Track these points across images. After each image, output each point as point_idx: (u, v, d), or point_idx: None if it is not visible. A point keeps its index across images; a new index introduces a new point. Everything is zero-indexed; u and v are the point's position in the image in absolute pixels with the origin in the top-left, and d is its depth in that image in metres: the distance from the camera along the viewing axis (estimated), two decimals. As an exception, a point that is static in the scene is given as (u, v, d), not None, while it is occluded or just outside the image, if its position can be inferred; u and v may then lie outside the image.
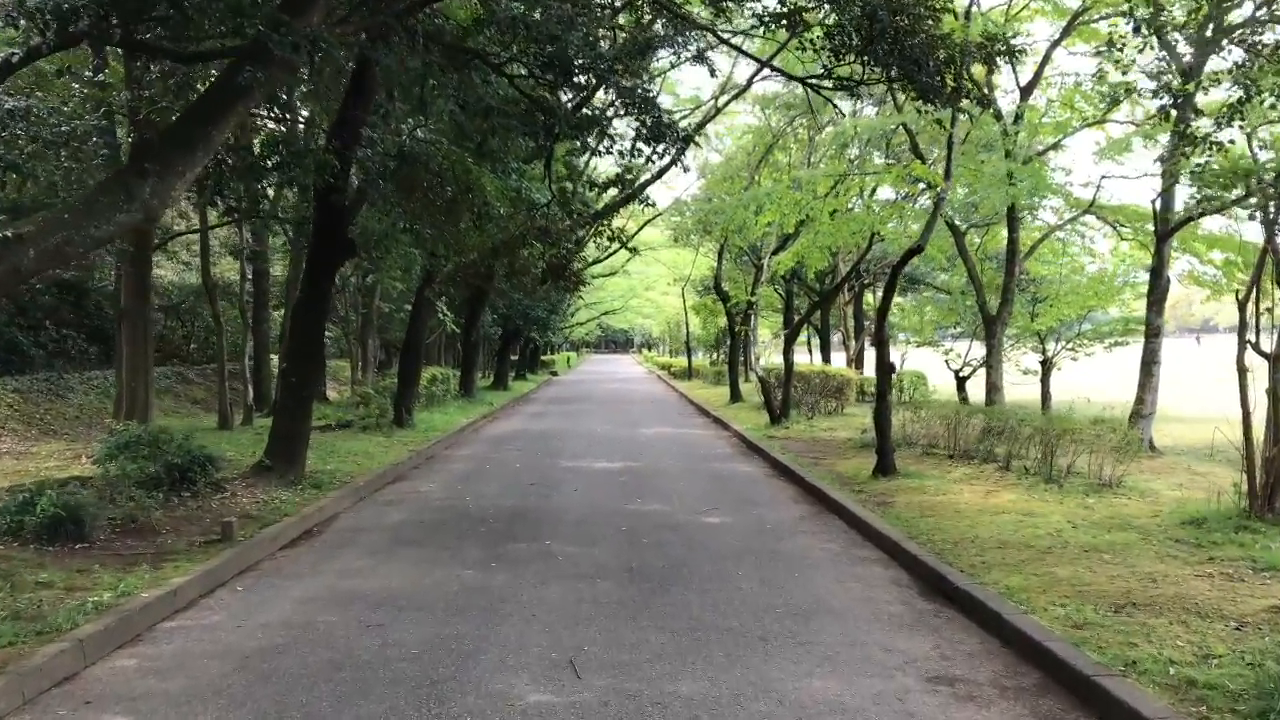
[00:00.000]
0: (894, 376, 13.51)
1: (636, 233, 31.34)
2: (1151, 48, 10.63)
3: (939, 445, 13.54)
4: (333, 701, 4.75)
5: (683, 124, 16.93)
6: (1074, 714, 4.68)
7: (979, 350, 20.65)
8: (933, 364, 25.22)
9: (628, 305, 60.51)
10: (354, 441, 14.97)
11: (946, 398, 19.62)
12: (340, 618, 6.15)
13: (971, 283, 18.04)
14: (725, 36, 12.69)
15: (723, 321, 34.13)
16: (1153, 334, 14.38)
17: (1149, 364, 14.25)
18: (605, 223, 21.22)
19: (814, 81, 10.78)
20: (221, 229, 21.25)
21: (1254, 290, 8.46)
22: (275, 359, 20.59)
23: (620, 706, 4.69)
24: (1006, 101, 17.29)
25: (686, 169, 18.09)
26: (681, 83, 35.74)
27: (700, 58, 11.04)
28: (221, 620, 6.15)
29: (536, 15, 8.60)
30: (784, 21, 9.17)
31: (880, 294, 21.24)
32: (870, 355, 26.20)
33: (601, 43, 10.04)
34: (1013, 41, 9.66)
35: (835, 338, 34.61)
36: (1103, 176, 21.15)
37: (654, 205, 19.87)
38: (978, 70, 13.87)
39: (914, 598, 6.74)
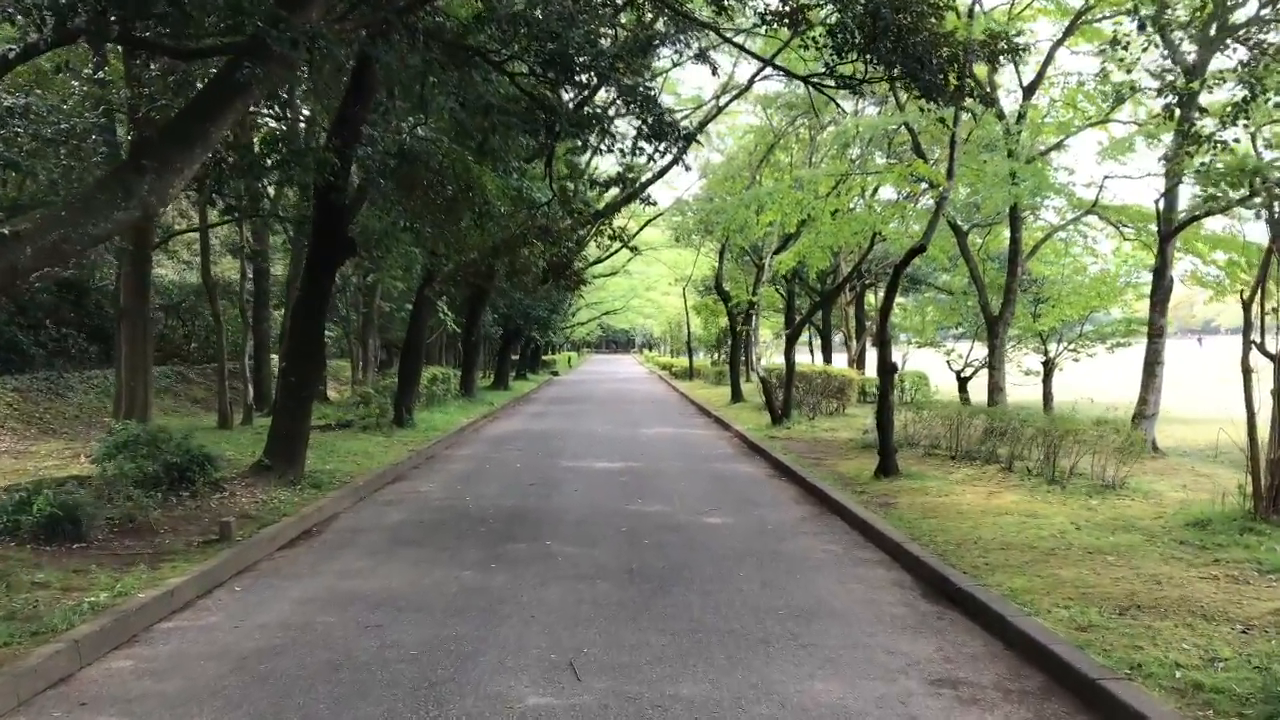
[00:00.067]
0: (896, 377, 13.46)
1: (638, 232, 31.34)
2: (1155, 45, 10.58)
3: (941, 446, 13.50)
4: (330, 703, 4.71)
5: (684, 124, 16.88)
6: (1079, 718, 4.64)
7: (981, 351, 20.61)
8: (934, 365, 25.17)
9: (629, 305, 60.49)
10: (354, 441, 14.93)
11: (948, 398, 19.57)
12: (339, 618, 6.11)
13: (974, 283, 18.00)
14: (727, 35, 12.64)
15: (724, 321, 34.08)
16: (1156, 334, 14.34)
17: (1152, 365, 14.20)
18: (606, 222, 21.19)
19: (816, 80, 10.72)
20: (222, 228, 21.22)
21: (1259, 291, 8.40)
22: (276, 358, 20.54)
23: (620, 709, 4.64)
24: (1009, 101, 17.26)
25: (688, 168, 18.10)
26: (683, 82, 35.87)
27: (702, 56, 10.99)
28: (219, 621, 6.11)
29: (538, 13, 8.55)
30: (786, 20, 9.12)
31: (882, 294, 21.17)
32: (871, 356, 26.17)
33: (603, 40, 9.99)
34: (1015, 40, 9.61)
35: (837, 338, 34.57)
36: (1105, 177, 21.09)
37: (655, 204, 19.83)
38: (980, 70, 13.82)
39: (916, 599, 6.69)
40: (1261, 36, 8.83)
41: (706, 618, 6.15)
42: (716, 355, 48.58)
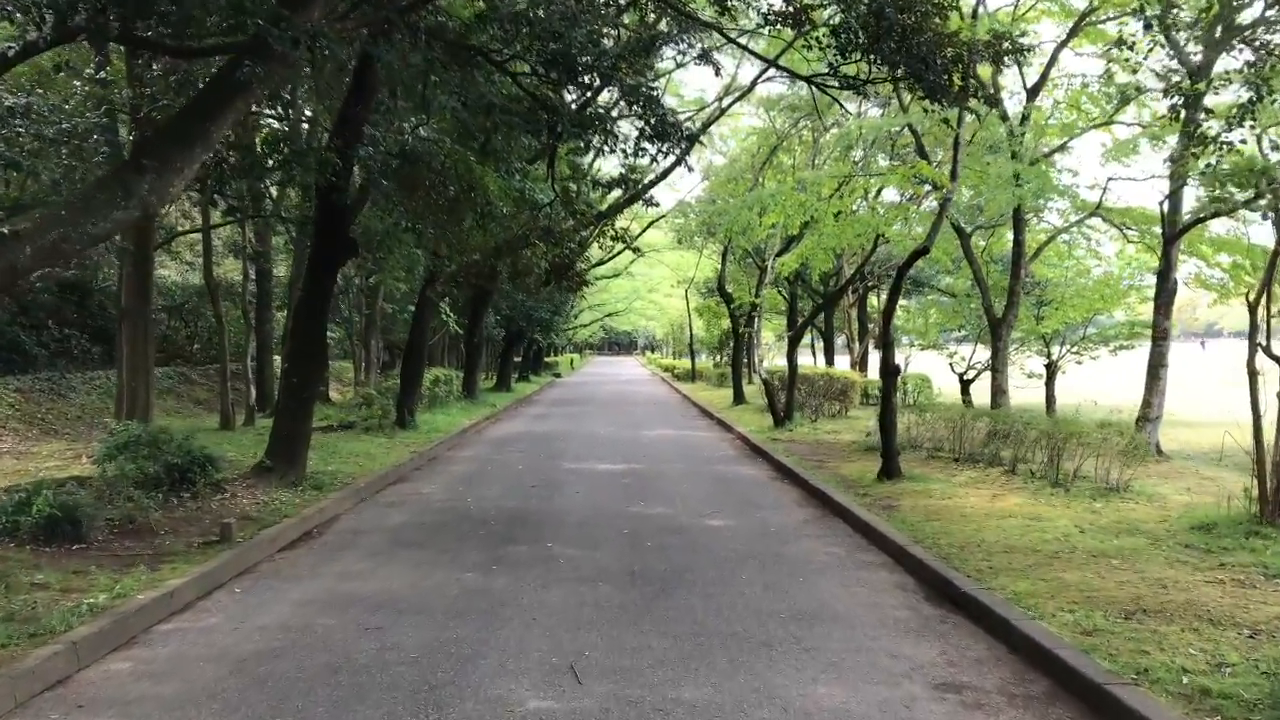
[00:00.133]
0: (899, 379, 13.41)
1: (640, 234, 31.31)
2: (1161, 45, 10.53)
3: (944, 448, 13.46)
4: (329, 706, 4.67)
5: (687, 125, 16.83)
6: (1085, 723, 4.60)
7: (983, 353, 20.56)
8: (937, 367, 25.10)
9: (631, 307, 60.50)
10: (356, 442, 14.90)
11: (951, 401, 19.52)
12: (338, 621, 6.07)
13: (977, 285, 17.94)
14: (731, 35, 12.60)
15: (726, 323, 34.04)
16: (1160, 337, 14.28)
17: (1156, 367, 14.15)
18: (609, 223, 21.16)
19: (819, 80, 10.69)
20: (225, 229, 21.21)
21: (1265, 293, 8.36)
22: (278, 359, 20.52)
23: (621, 713, 4.60)
24: (1013, 103, 17.18)
25: (690, 169, 18.01)
26: (685, 84, 36.02)
27: (705, 57, 10.96)
28: (218, 623, 6.07)
29: (540, 12, 8.52)
30: (789, 20, 9.09)
31: (885, 296, 21.12)
32: (874, 358, 26.12)
33: (605, 41, 9.96)
34: (1020, 41, 9.57)
35: (839, 340, 34.52)
36: (1109, 179, 21.16)
37: (657, 205, 19.79)
38: (984, 71, 13.79)
39: (920, 603, 6.65)
40: (1268, 38, 8.78)
41: (708, 621, 6.11)
42: (719, 357, 48.50)
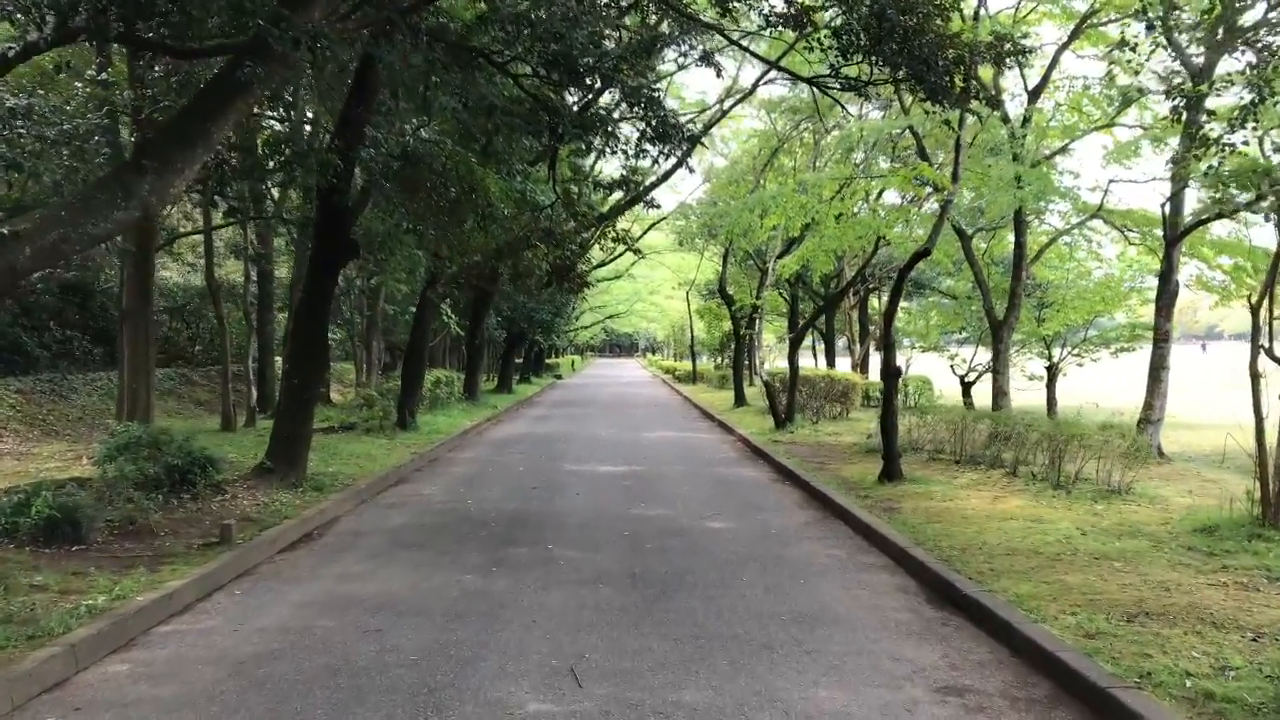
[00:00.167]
0: (900, 381, 13.39)
1: (641, 236, 31.28)
2: (1162, 47, 10.51)
3: (945, 451, 13.44)
4: (327, 709, 4.65)
5: (688, 127, 16.82)
6: (1087, 727, 4.58)
7: (984, 355, 20.53)
8: (938, 369, 25.08)
9: (632, 309, 60.50)
10: (357, 444, 14.89)
11: (952, 403, 19.51)
12: (338, 623, 6.05)
13: (978, 287, 17.93)
14: (732, 37, 12.59)
15: (727, 325, 34.05)
16: (1161, 339, 14.26)
17: (1157, 369, 14.12)
18: (610, 225, 21.15)
19: (821, 82, 10.67)
20: (226, 230, 21.21)
21: (1267, 294, 8.33)
22: (280, 361, 20.51)
23: (622, 716, 4.58)
24: (1014, 105, 17.19)
25: (692, 170, 18.05)
26: (687, 86, 36.13)
27: (706, 59, 10.95)
28: (217, 625, 6.06)
29: (541, 13, 8.51)
30: (790, 21, 9.07)
31: (886, 298, 21.10)
32: (875, 360, 26.09)
33: (606, 42, 9.95)
34: (1022, 42, 9.55)
35: (840, 342, 34.49)
36: (1110, 181, 21.14)
37: (659, 207, 19.78)
38: (985, 73, 13.78)
39: (921, 605, 6.63)
40: (1270, 39, 8.76)
41: (709, 623, 6.08)
42: (720, 359, 48.52)
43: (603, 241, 23.50)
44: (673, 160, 19.18)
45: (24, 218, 6.31)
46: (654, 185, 23.10)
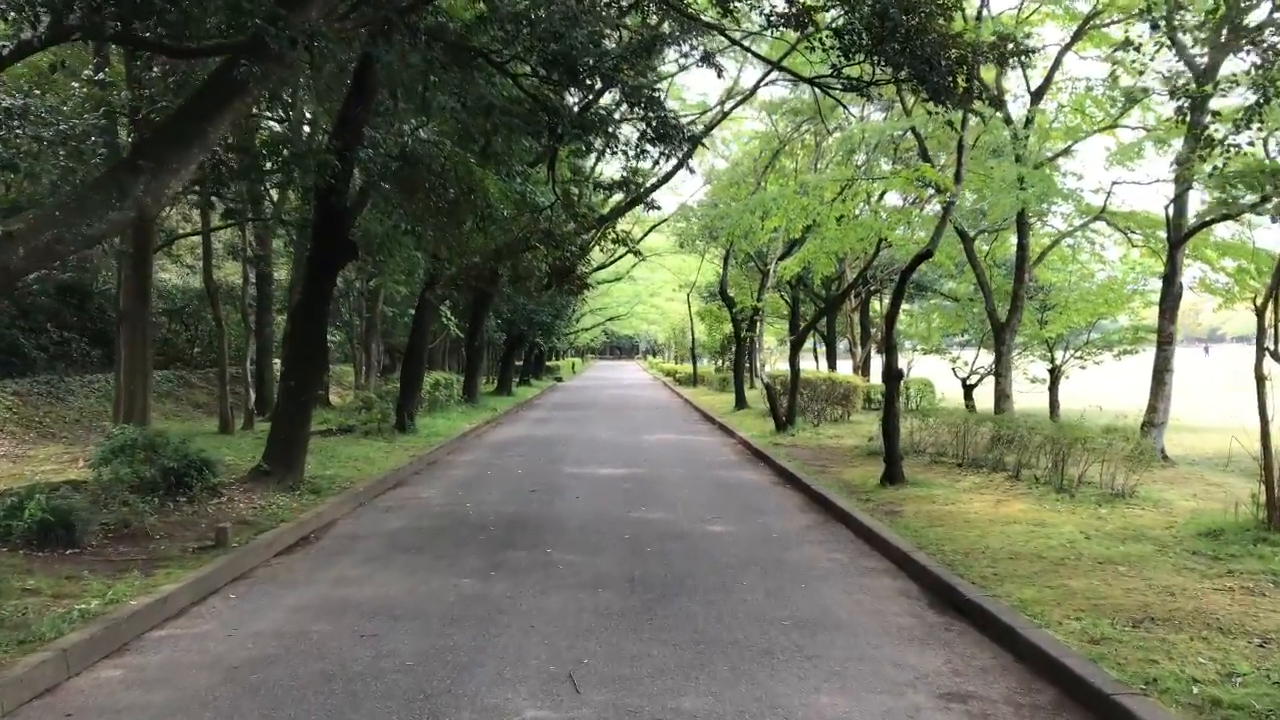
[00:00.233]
0: (901, 384, 13.33)
1: (642, 238, 31.24)
2: (1166, 47, 10.45)
3: (947, 454, 13.36)
4: (322, 715, 4.58)
5: (689, 128, 16.76)
6: (1093, 734, 4.51)
7: (986, 358, 20.47)
8: (940, 372, 25.02)
9: (633, 311, 60.44)
10: (355, 446, 14.82)
11: (954, 406, 19.43)
12: (334, 627, 5.99)
13: (980, 289, 17.87)
14: (734, 37, 12.53)
15: (728, 328, 33.99)
16: (1165, 341, 14.19)
17: (1161, 372, 14.05)
18: (610, 226, 21.09)
19: (823, 82, 10.61)
20: (225, 232, 21.14)
21: (1272, 297, 8.26)
22: (278, 363, 20.43)
23: (620, 723, 4.52)
24: (1017, 106, 17.13)
25: (692, 171, 18.01)
26: (688, 88, 36.02)
27: (707, 59, 10.88)
28: (212, 629, 5.99)
29: (540, 13, 8.45)
30: (792, 21, 9.01)
31: (887, 301, 21.02)
32: (876, 362, 26.02)
33: (607, 42, 9.89)
34: (1025, 42, 9.49)
35: (841, 345, 34.43)
36: (1113, 182, 21.15)
37: (659, 209, 19.72)
38: (988, 74, 13.72)
39: (924, 610, 6.56)
40: (1275, 40, 8.68)
41: (709, 628, 6.02)
42: (720, 361, 48.46)
43: (603, 243, 23.43)
44: (673, 161, 19.17)
45: (18, 218, 6.24)
46: (655, 186, 23.04)
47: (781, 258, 23.67)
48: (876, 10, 8.02)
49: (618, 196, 22.09)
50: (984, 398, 20.62)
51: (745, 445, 17.26)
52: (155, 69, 10.67)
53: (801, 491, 11.80)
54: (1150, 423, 13.82)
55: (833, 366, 30.77)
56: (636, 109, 9.51)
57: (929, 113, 10.37)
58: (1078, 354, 20.46)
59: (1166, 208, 14.24)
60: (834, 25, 8.96)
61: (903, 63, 8.29)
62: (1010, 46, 8.98)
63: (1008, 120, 15.62)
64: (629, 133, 13.13)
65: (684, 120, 16.64)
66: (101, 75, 11.35)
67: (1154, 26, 8.47)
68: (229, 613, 6.37)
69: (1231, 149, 8.27)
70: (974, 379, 21.03)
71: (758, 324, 26.67)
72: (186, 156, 6.59)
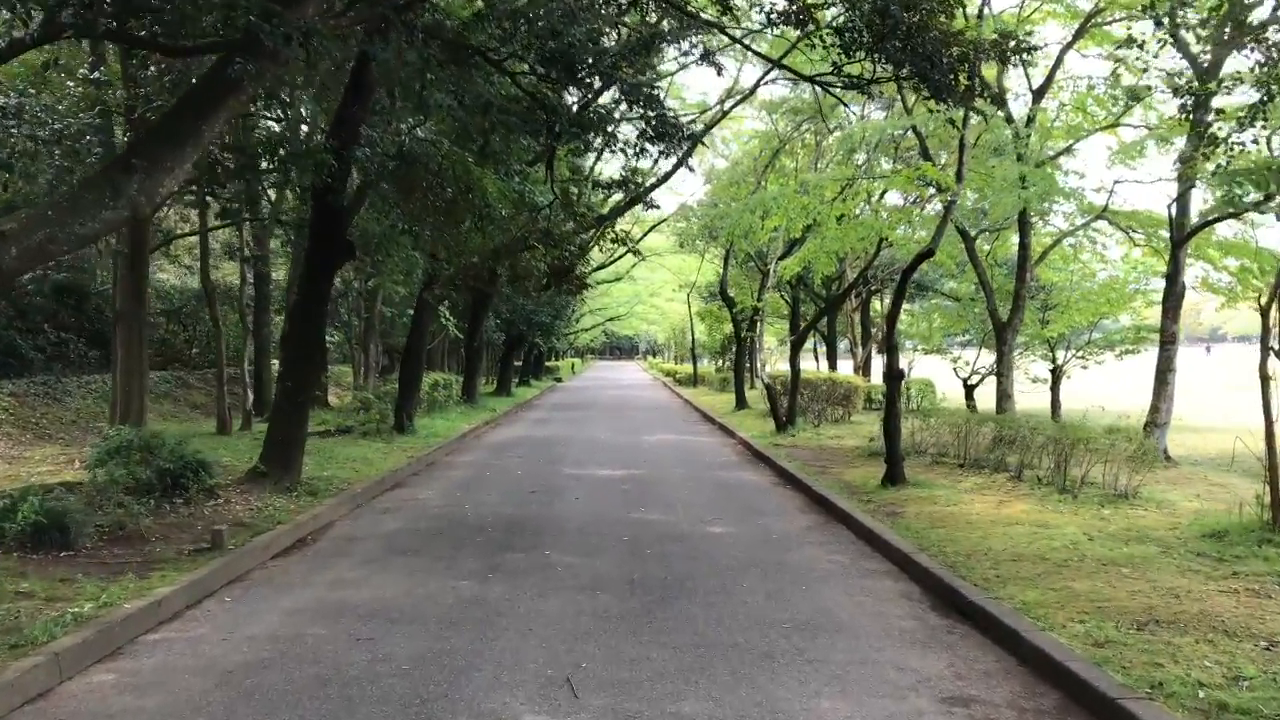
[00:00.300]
0: (902, 384, 13.26)
1: (642, 237, 31.19)
2: (1169, 44, 10.39)
3: (948, 454, 13.29)
4: (316, 721, 4.52)
5: (689, 126, 16.69)
6: (1099, 740, 4.44)
7: (987, 358, 20.42)
8: (941, 372, 24.97)
9: (633, 311, 60.38)
10: (353, 447, 14.75)
11: (955, 406, 19.37)
12: (330, 631, 5.92)
13: (981, 289, 17.81)
14: (734, 35, 12.46)
15: (728, 328, 33.92)
16: (1168, 341, 14.12)
17: (1164, 372, 13.99)
18: (609, 226, 21.03)
19: (823, 80, 10.54)
20: (223, 232, 21.09)
21: (1277, 296, 8.19)
22: (276, 363, 20.37)
23: (619, 729, 4.45)
24: (1018, 105, 17.08)
25: (692, 170, 17.95)
26: (688, 87, 35.99)
27: (707, 57, 10.82)
28: (206, 633, 5.92)
29: (539, 10, 8.38)
30: (793, 19, 8.94)
31: (888, 300, 20.96)
32: (877, 363, 25.97)
33: (605, 40, 9.82)
34: (1026, 40, 9.42)
35: (842, 345, 34.36)
36: (1115, 181, 21.03)
37: (659, 208, 19.66)
38: (989, 72, 13.66)
39: (926, 613, 6.49)
40: (1278, 37, 8.62)
41: (709, 631, 5.95)
42: (720, 362, 48.39)
43: (602, 243, 23.35)
44: (673, 160, 19.08)
45: (11, 218, 6.18)
46: (654, 186, 22.98)
47: (782, 257, 23.61)
48: (877, 7, 7.96)
49: (617, 196, 22.02)
50: (985, 398, 20.57)
51: (745, 446, 17.19)
52: (151, 68, 10.60)
53: (802, 492, 11.74)
54: (1153, 423, 13.76)
55: (833, 367, 30.70)
56: (636, 107, 9.45)
57: (930, 111, 10.31)
58: (1079, 354, 20.41)
59: (1169, 206, 14.20)
60: (835, 23, 8.89)
61: (904, 60, 8.23)
62: (1012, 44, 8.91)
63: (1009, 119, 15.56)
64: (628, 132, 13.08)
65: (684, 119, 16.60)
66: (97, 74, 11.29)
67: (1157, 23, 8.41)
68: (224, 616, 6.31)
69: (1235, 147, 8.21)
70: (975, 379, 20.97)
71: (758, 324, 26.60)
72: (181, 155, 6.52)
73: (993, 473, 11.67)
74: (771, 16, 9.50)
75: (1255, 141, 8.30)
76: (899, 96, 15.76)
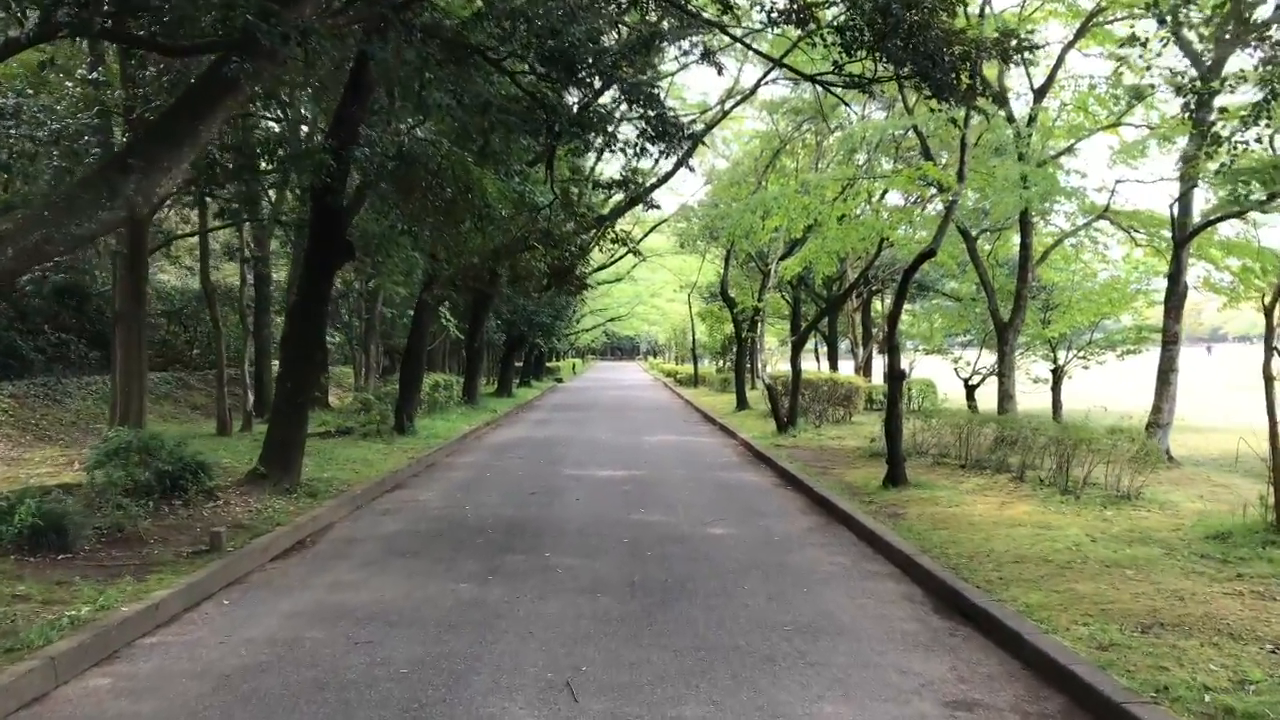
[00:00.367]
0: (904, 384, 13.20)
1: (643, 238, 31.15)
2: (1172, 43, 10.34)
3: (950, 455, 13.24)
4: (313, 726, 4.48)
5: (690, 125, 16.64)
6: (1103, 744, 4.40)
7: (988, 358, 20.37)
8: (942, 372, 24.92)
9: (634, 312, 60.35)
10: (353, 449, 14.70)
11: (956, 406, 19.32)
12: (328, 634, 5.88)
13: (983, 289, 17.76)
14: (735, 34, 12.42)
15: (729, 328, 33.88)
16: (1170, 341, 14.08)
17: (1166, 372, 13.94)
18: (610, 226, 21.00)
19: (824, 80, 10.50)
20: (223, 233, 21.04)
21: (1280, 296, 8.16)
22: (277, 364, 20.32)
23: (619, 733, 4.41)
24: (1019, 104, 17.03)
25: (692, 170, 17.89)
26: (688, 88, 35.92)
27: (707, 56, 10.77)
28: (204, 636, 5.88)
29: (538, 9, 8.34)
30: (793, 18, 8.90)
31: (888, 300, 20.92)
32: (878, 363, 25.93)
33: (605, 38, 9.78)
34: (1028, 38, 9.37)
35: (843, 345, 34.32)
36: (1117, 181, 20.95)
37: (659, 208, 19.61)
38: (990, 72, 13.62)
39: (928, 615, 6.45)
40: (1280, 36, 8.58)
41: (710, 634, 5.91)
42: (721, 362, 48.34)
43: (603, 243, 23.31)
44: (673, 160, 19.05)
45: (7, 218, 6.15)
46: (655, 186, 22.95)
47: (782, 258, 23.57)
48: (879, 6, 7.91)
49: (617, 196, 21.98)
50: (986, 398, 20.52)
51: (746, 446, 17.15)
52: (150, 68, 10.57)
53: (803, 493, 11.70)
54: (1155, 423, 13.71)
55: (834, 367, 30.66)
56: (636, 107, 9.41)
57: (932, 110, 10.27)
58: (1080, 354, 20.36)
59: (1171, 206, 14.16)
60: (836, 22, 8.85)
61: (905, 59, 8.19)
62: (1014, 43, 8.86)
63: (1010, 118, 15.51)
64: (628, 132, 13.04)
65: (684, 119, 16.55)
66: (96, 74, 11.26)
67: (1160, 21, 8.37)
68: (222, 619, 6.27)
69: (1239, 146, 8.16)
70: (976, 379, 20.92)
71: (759, 324, 26.56)
72: (178, 155, 6.49)
73: (995, 474, 11.62)
74: (772, 15, 9.46)
75: (1259, 140, 8.25)
76: (900, 96, 15.71)
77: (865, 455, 14.30)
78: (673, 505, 10.79)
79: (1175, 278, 14.07)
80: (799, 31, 9.38)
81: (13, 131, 9.24)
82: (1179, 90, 9.49)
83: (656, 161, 11.75)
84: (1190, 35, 12.01)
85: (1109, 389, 23.77)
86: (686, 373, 49.40)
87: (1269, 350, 8.00)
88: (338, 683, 5.03)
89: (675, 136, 9.63)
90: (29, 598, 6.13)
